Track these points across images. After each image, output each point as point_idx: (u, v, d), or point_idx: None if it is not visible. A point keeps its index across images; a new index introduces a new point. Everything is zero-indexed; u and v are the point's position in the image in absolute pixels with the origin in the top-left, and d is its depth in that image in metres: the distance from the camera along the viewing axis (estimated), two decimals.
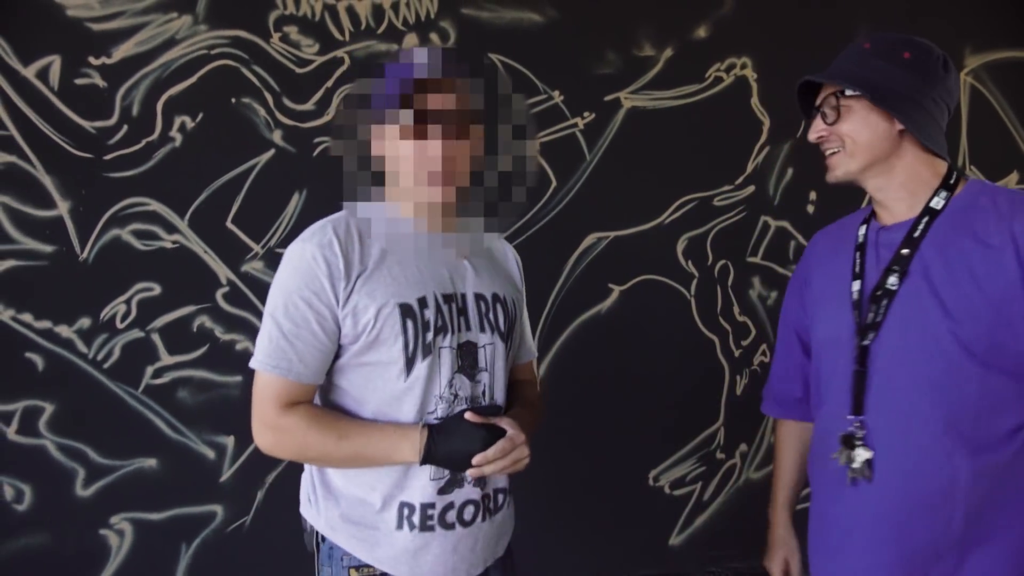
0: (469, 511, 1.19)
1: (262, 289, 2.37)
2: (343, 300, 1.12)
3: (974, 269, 1.11)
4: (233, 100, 2.34)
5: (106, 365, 2.30)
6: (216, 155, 2.34)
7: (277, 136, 2.38)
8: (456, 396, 1.18)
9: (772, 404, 1.50)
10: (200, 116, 2.32)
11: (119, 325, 2.30)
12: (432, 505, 1.16)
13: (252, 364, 1.14)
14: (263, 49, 2.36)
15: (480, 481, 1.19)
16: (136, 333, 2.31)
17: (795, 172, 2.77)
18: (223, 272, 2.35)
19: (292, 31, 2.38)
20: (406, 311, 1.13)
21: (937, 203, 1.18)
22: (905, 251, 1.17)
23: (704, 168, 2.72)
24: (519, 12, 2.55)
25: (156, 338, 2.31)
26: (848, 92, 1.21)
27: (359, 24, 2.44)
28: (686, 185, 2.71)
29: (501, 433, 1.14)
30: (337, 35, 2.42)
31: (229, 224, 2.36)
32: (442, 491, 1.17)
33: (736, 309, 2.78)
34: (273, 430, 1.14)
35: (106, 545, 2.33)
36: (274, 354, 1.12)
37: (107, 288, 2.29)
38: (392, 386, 1.14)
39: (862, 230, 1.28)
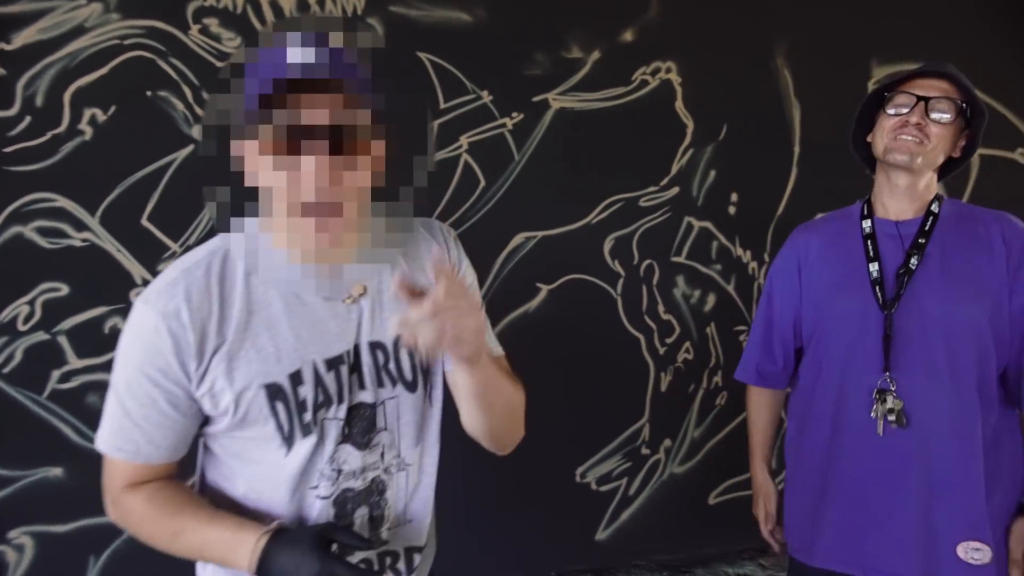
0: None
1: None
2: (196, 379, 0.94)
3: (974, 258, 1.40)
4: (149, 93, 2.25)
5: (6, 370, 2.17)
6: (130, 150, 2.24)
7: (196, 131, 2.29)
8: (340, 471, 1.01)
9: (753, 375, 1.73)
10: (113, 109, 2.22)
11: (21, 327, 2.18)
12: None
13: (96, 444, 1.00)
14: (181, 41, 2.28)
15: (378, 541, 1.04)
16: (40, 336, 2.19)
17: (717, 174, 2.86)
18: (138, 271, 2.26)
19: (212, 23, 2.31)
20: (274, 393, 0.95)
21: (935, 208, 1.46)
22: (922, 240, 1.42)
23: (630, 169, 2.78)
24: (448, 11, 2.54)
25: (63, 341, 2.20)
26: (963, 105, 1.40)
27: (283, 18, 2.38)
28: (613, 186, 2.76)
29: (363, 543, 0.97)
30: (260, 29, 2.35)
31: (145, 222, 2.26)
32: None
33: (661, 308, 2.85)
34: (115, 506, 1.01)
35: (2, 562, 2.20)
36: (118, 436, 0.97)
37: (7, 288, 2.17)
38: (272, 457, 0.99)
39: (866, 224, 1.49)
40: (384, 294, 1.04)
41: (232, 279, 0.97)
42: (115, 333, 2.23)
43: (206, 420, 1.00)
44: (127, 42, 2.23)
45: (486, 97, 2.59)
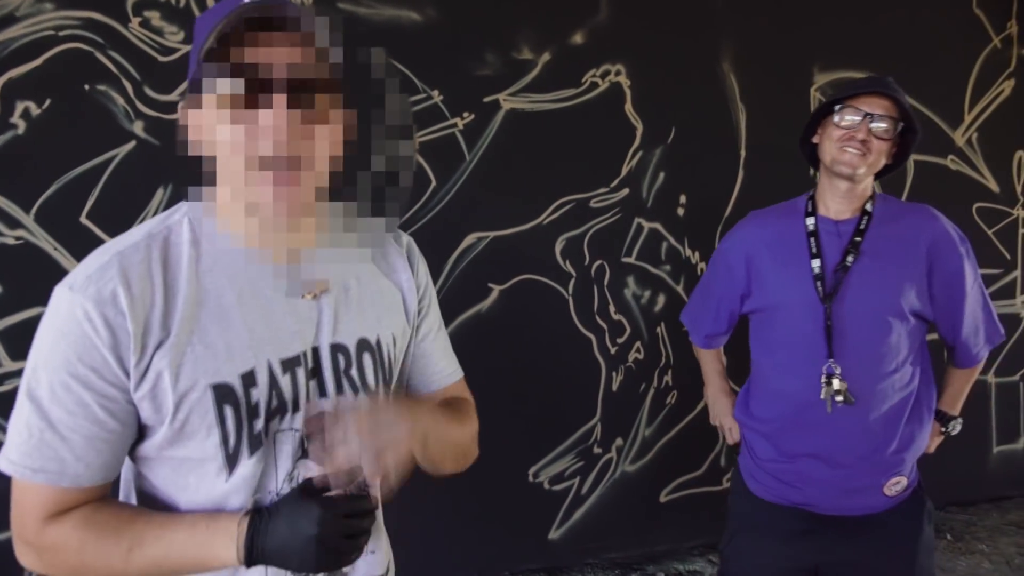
0: None
1: None
2: (136, 378, 0.80)
3: (900, 252, 1.60)
4: (87, 87, 2.18)
5: None
6: (68, 145, 2.16)
7: (138, 127, 2.23)
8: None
9: (703, 339, 2.01)
10: (48, 102, 2.14)
11: None
12: None
13: (3, 468, 0.82)
14: (120, 34, 2.21)
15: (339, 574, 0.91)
16: None
17: (666, 176, 2.91)
18: None
19: (154, 17, 2.25)
20: (223, 395, 0.82)
21: (870, 207, 1.65)
22: (857, 239, 1.62)
23: (581, 171, 2.80)
24: (398, 10, 2.53)
25: None
26: (900, 124, 1.59)
27: None
28: (564, 187, 2.78)
29: (363, 501, 0.86)
30: None
31: (84, 220, 2.19)
32: None
33: (612, 308, 2.88)
34: (35, 549, 0.83)
35: None
36: (37, 453, 0.80)
37: None
38: (210, 485, 0.85)
39: (810, 221, 1.67)
40: (350, 291, 0.94)
41: (176, 265, 0.84)
42: None
43: (139, 437, 0.86)
44: (62, 33, 2.16)
45: (436, 97, 2.59)
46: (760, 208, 1.89)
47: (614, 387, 2.91)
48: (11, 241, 2.12)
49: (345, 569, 0.92)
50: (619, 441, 2.94)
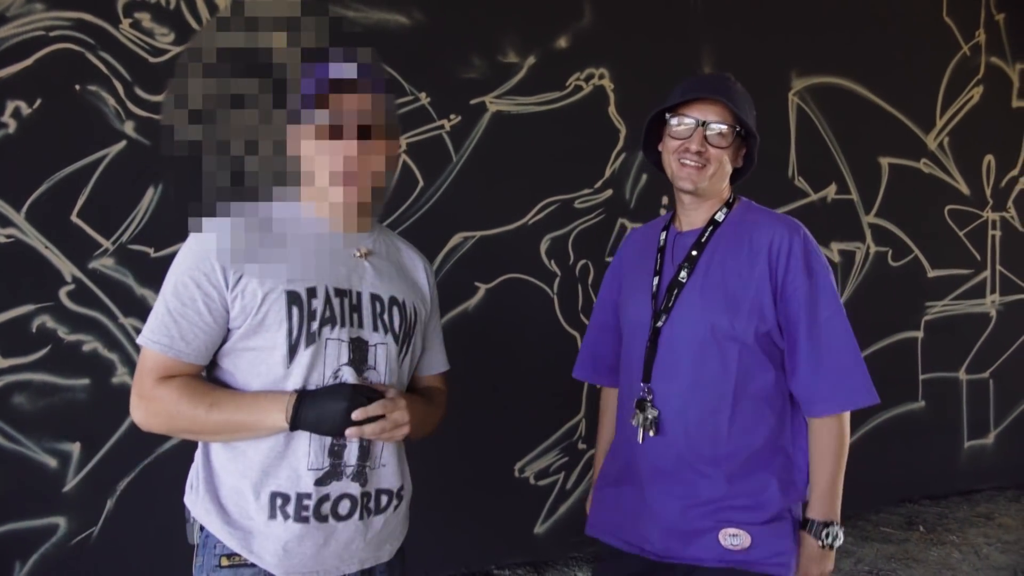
0: (345, 506, 1.17)
1: (112, 287, 2.24)
2: (232, 283, 1.13)
3: (741, 269, 1.41)
4: (77, 87, 2.20)
5: None
6: (58, 144, 2.18)
7: (129, 127, 2.25)
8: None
9: (589, 372, 1.73)
10: (38, 102, 2.16)
11: None
12: (308, 495, 1.14)
13: (138, 339, 1.16)
14: (111, 35, 2.23)
15: (361, 476, 1.17)
16: None
17: (648, 178, 2.97)
18: (68, 269, 2.20)
19: (144, 18, 2.27)
20: (293, 298, 1.14)
21: (720, 216, 1.48)
22: (694, 252, 1.46)
23: (566, 172, 2.86)
24: (386, 13, 2.57)
25: None
26: (737, 128, 1.42)
27: (216, 15, 2.36)
28: (549, 188, 2.84)
29: (378, 396, 1.16)
30: (195, 25, 2.33)
31: (75, 218, 2.21)
32: (319, 482, 1.15)
33: None
34: (146, 400, 1.15)
35: None
36: (157, 330, 1.13)
37: None
38: (275, 372, 1.15)
39: (663, 235, 1.54)
40: (390, 263, 1.30)
41: (268, 226, 1.18)
42: (43, 332, 2.16)
43: (225, 338, 1.16)
44: (53, 34, 2.18)
45: (424, 99, 2.63)
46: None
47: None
48: (2, 239, 2.13)
49: (367, 429, 1.15)
50: None
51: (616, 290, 1.62)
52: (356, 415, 1.13)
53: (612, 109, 2.90)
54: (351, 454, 1.16)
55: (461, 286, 2.73)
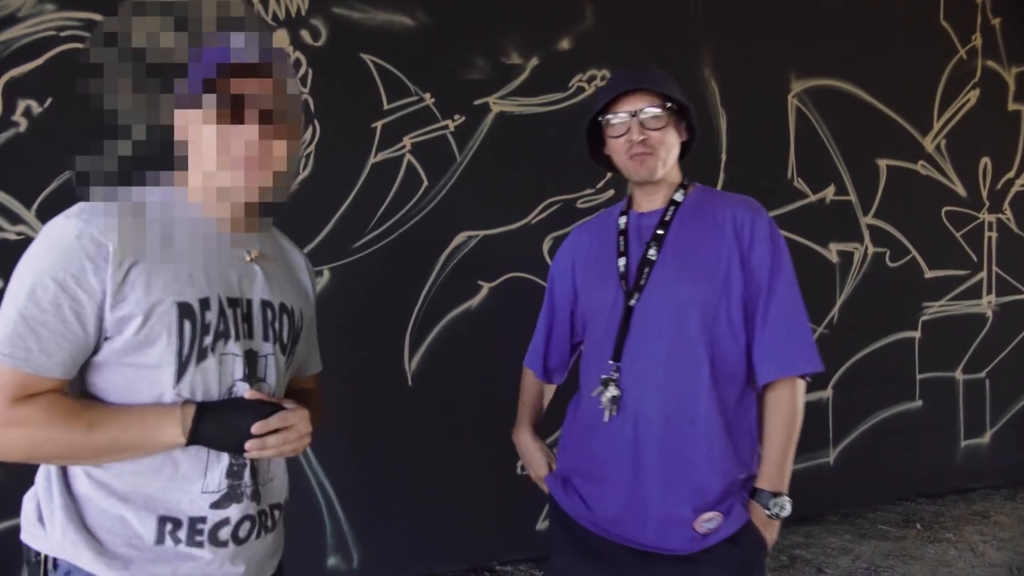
0: (245, 528, 1.08)
1: None
2: (111, 290, 0.97)
3: (708, 242, 1.44)
4: None
5: None
6: (69, 143, 2.21)
7: None
8: None
9: (540, 368, 1.75)
10: (49, 101, 2.19)
11: None
12: (203, 519, 1.04)
13: None
14: None
15: (255, 494, 1.09)
16: None
17: None
18: None
19: None
20: (184, 311, 1.01)
21: (679, 197, 1.51)
22: (660, 231, 1.48)
23: (568, 172, 2.89)
24: (391, 15, 2.60)
25: None
26: (668, 105, 1.43)
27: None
28: (551, 188, 2.87)
29: (279, 408, 1.07)
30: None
31: None
32: (216, 505, 1.05)
33: None
34: (2, 426, 0.96)
35: None
36: (8, 342, 0.95)
37: None
38: (159, 390, 1.02)
39: (622, 220, 1.54)
40: (278, 267, 1.20)
41: (152, 219, 1.05)
42: None
43: (96, 349, 1.01)
44: (63, 34, 2.20)
45: (428, 99, 2.66)
46: None
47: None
48: (12, 236, 2.16)
49: (270, 441, 1.07)
50: None
51: (570, 288, 1.61)
52: (257, 428, 1.03)
53: None
54: (248, 473, 1.08)
55: (464, 285, 2.76)
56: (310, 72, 2.50)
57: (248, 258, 1.13)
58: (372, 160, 2.61)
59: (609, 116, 1.46)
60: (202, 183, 1.06)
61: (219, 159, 1.03)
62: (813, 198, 3.39)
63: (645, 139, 1.43)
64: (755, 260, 1.42)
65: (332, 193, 2.57)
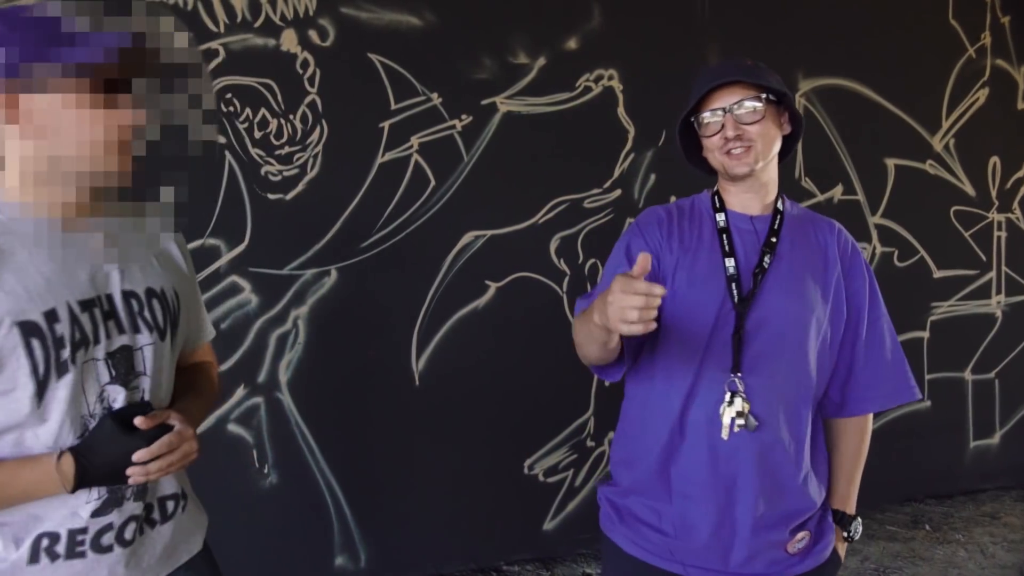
0: (131, 529, 1.05)
1: None
2: None
3: (814, 263, 1.40)
4: None
5: None
6: None
7: None
8: (109, 410, 1.03)
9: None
10: None
11: None
12: (84, 530, 1.01)
13: None
14: None
15: (140, 492, 1.06)
16: None
17: (657, 178, 3.00)
18: None
19: None
20: (29, 330, 0.94)
21: (781, 206, 1.44)
22: (774, 239, 1.40)
23: (575, 172, 2.89)
24: (398, 14, 2.61)
25: None
26: (764, 96, 1.35)
27: (235, 16, 2.40)
28: (558, 187, 2.87)
29: (165, 428, 1.03)
30: (211, 26, 2.37)
31: None
32: (97, 513, 1.02)
33: None
34: None
35: None
36: None
37: None
38: (20, 416, 0.96)
39: (720, 217, 1.42)
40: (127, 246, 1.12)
41: None
42: None
43: None
44: None
45: (436, 99, 2.66)
46: None
47: (606, 382, 2.99)
48: None
49: (153, 467, 1.03)
50: (611, 435, 3.02)
51: (654, 265, 1.41)
52: (139, 457, 0.99)
53: (621, 110, 2.92)
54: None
55: (471, 284, 2.76)
56: (318, 72, 2.51)
57: (103, 258, 1.04)
58: (380, 160, 2.62)
59: (701, 115, 1.38)
60: (33, 176, 0.97)
61: (91, 144, 0.95)
62: (821, 198, 3.38)
63: (740, 134, 1.34)
64: (854, 287, 1.42)
65: (340, 193, 2.57)
